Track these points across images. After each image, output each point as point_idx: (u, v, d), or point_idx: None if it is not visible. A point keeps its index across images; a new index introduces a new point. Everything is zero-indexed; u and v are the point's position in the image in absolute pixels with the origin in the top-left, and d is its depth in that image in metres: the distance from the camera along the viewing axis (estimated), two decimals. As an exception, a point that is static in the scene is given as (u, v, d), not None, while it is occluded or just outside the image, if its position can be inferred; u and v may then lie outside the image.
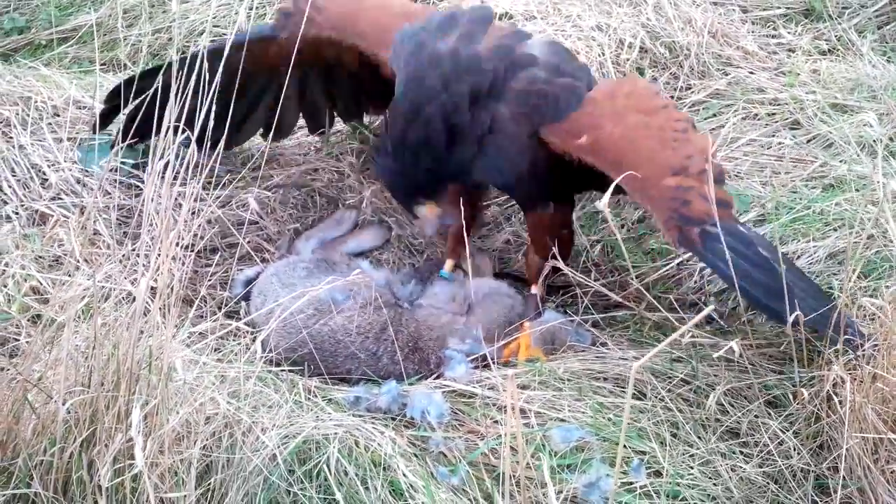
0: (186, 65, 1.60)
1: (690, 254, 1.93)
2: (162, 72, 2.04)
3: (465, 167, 1.98)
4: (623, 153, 1.86)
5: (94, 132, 2.44)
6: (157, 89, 1.82)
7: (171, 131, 1.47)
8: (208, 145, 1.61)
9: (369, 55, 2.20)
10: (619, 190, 1.68)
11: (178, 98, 1.49)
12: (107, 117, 2.42)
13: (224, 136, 1.64)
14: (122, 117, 2.35)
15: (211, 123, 1.46)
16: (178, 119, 1.52)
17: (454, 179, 2.05)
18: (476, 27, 2.01)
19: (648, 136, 1.85)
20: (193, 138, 1.55)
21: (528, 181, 2.03)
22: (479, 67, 1.93)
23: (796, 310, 1.67)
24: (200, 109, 1.46)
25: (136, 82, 2.24)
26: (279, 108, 2.14)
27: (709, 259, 1.77)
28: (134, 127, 2.08)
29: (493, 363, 1.96)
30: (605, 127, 1.89)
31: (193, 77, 1.54)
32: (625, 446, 1.82)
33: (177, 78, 1.52)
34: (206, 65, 1.58)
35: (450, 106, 1.91)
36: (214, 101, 1.51)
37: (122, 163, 2.38)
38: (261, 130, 2.51)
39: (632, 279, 2.06)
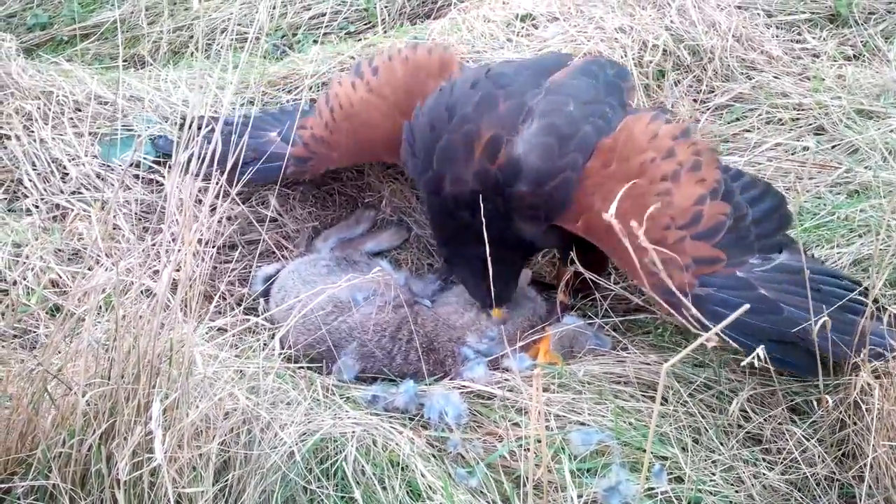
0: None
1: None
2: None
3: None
4: (607, 234, 1.85)
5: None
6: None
7: (195, 124, 1.46)
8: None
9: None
10: None
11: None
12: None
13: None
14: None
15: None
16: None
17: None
18: (461, 151, 1.98)
19: (630, 209, 1.79)
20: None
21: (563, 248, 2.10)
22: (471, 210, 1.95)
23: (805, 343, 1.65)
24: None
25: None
26: None
27: (701, 323, 1.70)
28: None
29: (514, 364, 1.94)
30: (594, 206, 1.91)
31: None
32: (645, 450, 1.80)
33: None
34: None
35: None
36: None
37: (143, 157, 2.38)
38: None
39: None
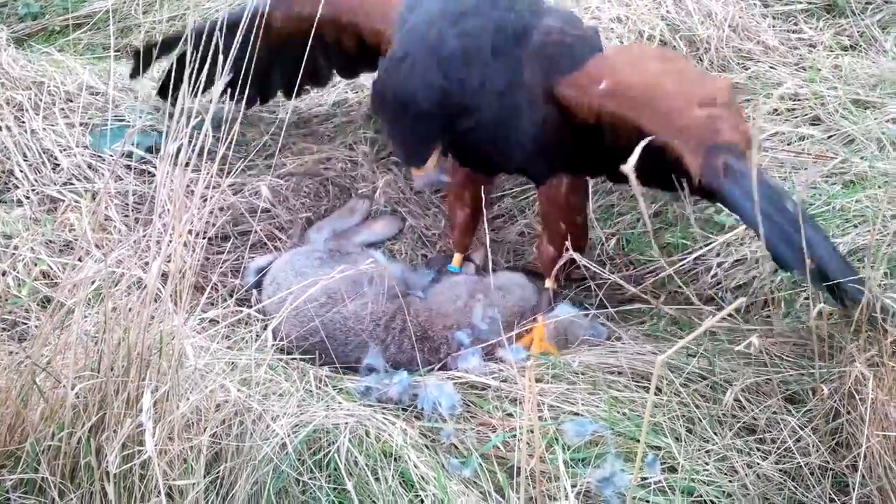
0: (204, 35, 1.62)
1: (714, 189, 1.72)
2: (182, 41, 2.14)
3: (470, 130, 1.81)
4: (646, 92, 1.77)
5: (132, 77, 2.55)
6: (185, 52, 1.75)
7: (184, 114, 1.45)
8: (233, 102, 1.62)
9: (368, 31, 2.13)
10: (645, 159, 1.49)
11: (195, 70, 1.49)
12: (137, 70, 2.51)
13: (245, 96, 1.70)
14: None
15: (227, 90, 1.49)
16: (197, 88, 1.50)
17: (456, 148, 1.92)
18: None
19: (669, 77, 1.77)
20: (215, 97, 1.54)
21: (541, 148, 1.90)
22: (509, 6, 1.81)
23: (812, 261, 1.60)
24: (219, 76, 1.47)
25: (157, 48, 2.39)
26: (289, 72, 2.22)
27: (733, 193, 1.66)
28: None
29: (508, 354, 1.94)
30: (625, 71, 1.81)
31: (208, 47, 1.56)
32: (639, 440, 1.80)
33: (193, 48, 1.53)
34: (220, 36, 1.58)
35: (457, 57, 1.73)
36: (229, 68, 1.51)
37: (135, 148, 2.37)
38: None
39: (664, 263, 2.01)
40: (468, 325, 2.04)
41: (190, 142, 1.49)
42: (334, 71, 2.51)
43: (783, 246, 1.68)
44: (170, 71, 2.48)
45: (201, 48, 1.56)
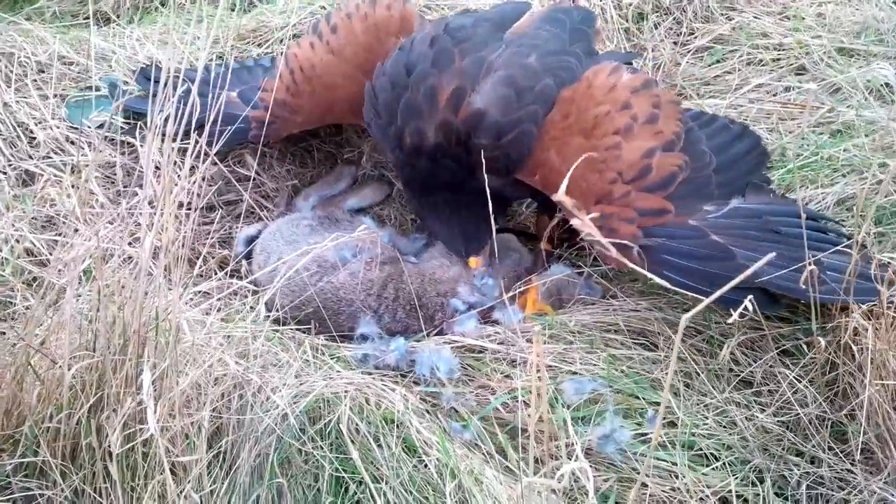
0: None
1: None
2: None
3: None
4: (559, 185, 1.86)
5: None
6: None
7: (170, 84, 1.40)
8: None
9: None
10: None
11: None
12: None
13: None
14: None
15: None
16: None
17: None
18: (424, 105, 1.97)
19: (583, 163, 1.82)
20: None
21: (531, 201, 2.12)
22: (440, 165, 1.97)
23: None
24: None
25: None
26: None
27: (654, 272, 1.73)
28: None
29: (505, 316, 1.93)
30: (549, 161, 1.94)
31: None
32: (638, 397, 1.81)
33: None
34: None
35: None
36: None
37: (112, 118, 2.31)
38: None
39: None
40: (464, 287, 2.02)
41: (177, 112, 1.44)
42: None
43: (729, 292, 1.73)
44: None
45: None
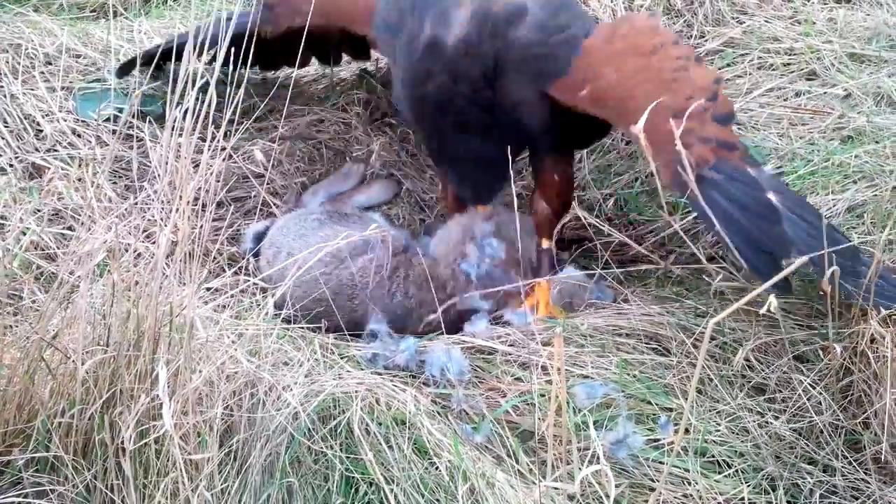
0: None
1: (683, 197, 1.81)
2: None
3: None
4: (622, 101, 1.79)
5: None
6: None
7: (189, 77, 1.39)
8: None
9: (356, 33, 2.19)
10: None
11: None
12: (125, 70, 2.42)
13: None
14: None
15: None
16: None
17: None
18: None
19: (647, 79, 1.78)
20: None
21: (543, 137, 1.98)
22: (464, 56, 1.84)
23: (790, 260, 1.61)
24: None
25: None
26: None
27: (698, 205, 1.68)
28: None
29: (515, 316, 1.93)
30: (605, 76, 1.82)
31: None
32: (650, 402, 1.80)
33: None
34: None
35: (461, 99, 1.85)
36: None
37: (119, 111, 2.29)
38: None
39: (671, 220, 2.02)
40: (470, 248, 2.01)
41: (194, 107, 1.43)
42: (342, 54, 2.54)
43: (752, 253, 1.69)
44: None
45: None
